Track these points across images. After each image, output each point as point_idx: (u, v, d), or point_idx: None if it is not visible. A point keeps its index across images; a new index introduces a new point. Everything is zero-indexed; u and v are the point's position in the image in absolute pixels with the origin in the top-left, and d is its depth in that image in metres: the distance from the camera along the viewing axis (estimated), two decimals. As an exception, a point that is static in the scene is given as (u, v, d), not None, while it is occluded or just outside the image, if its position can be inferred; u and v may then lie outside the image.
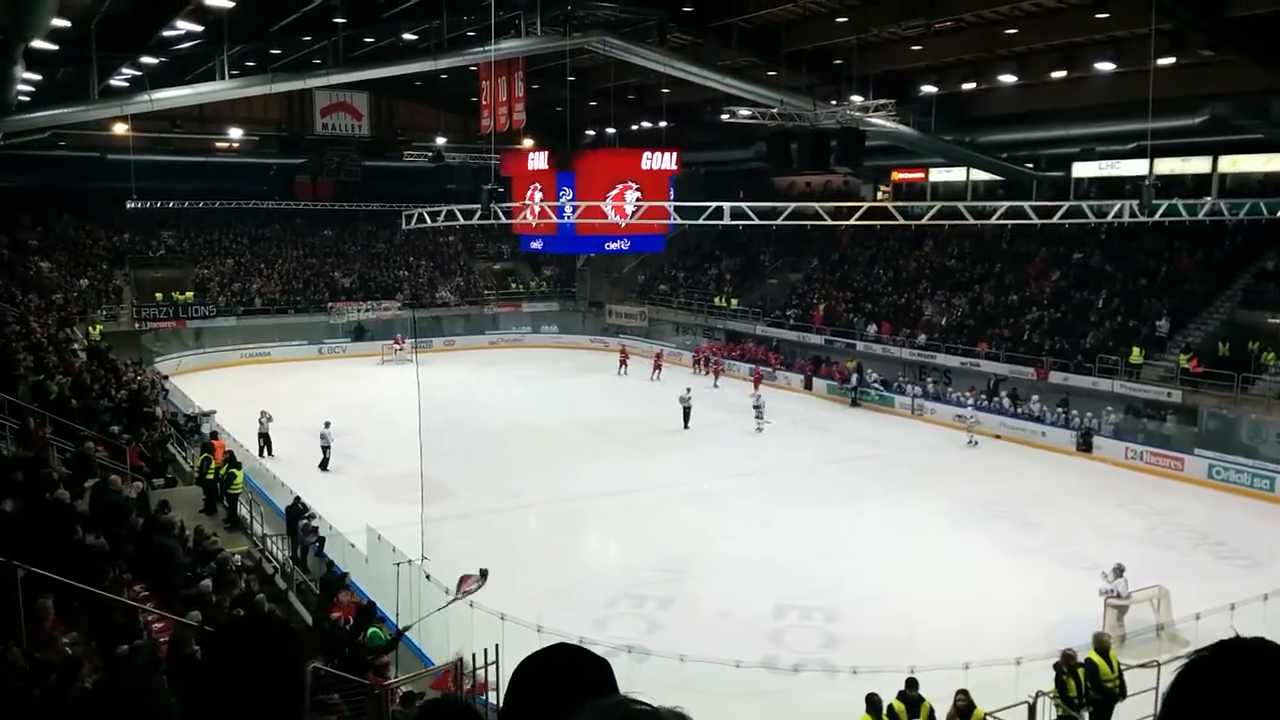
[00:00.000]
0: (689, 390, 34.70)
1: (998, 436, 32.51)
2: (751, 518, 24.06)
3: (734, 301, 47.76)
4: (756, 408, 33.54)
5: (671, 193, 29.04)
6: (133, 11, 25.98)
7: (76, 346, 27.77)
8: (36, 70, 26.57)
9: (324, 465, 27.52)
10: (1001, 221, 20.85)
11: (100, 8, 24.13)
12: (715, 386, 40.48)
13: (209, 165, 50.94)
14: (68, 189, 49.34)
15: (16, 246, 44.10)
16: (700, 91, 38.49)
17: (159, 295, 45.96)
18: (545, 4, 27.54)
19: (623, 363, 43.32)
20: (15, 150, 42.20)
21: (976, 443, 31.16)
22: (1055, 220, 22.44)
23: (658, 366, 42.70)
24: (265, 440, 28.30)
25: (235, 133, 47.97)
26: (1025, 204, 21.65)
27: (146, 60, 28.93)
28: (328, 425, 27.93)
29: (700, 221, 21.86)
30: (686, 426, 33.29)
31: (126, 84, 30.69)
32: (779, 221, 21.93)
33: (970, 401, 33.69)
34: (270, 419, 28.83)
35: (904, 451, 30.64)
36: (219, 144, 50.41)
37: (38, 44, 21.68)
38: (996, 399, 33.99)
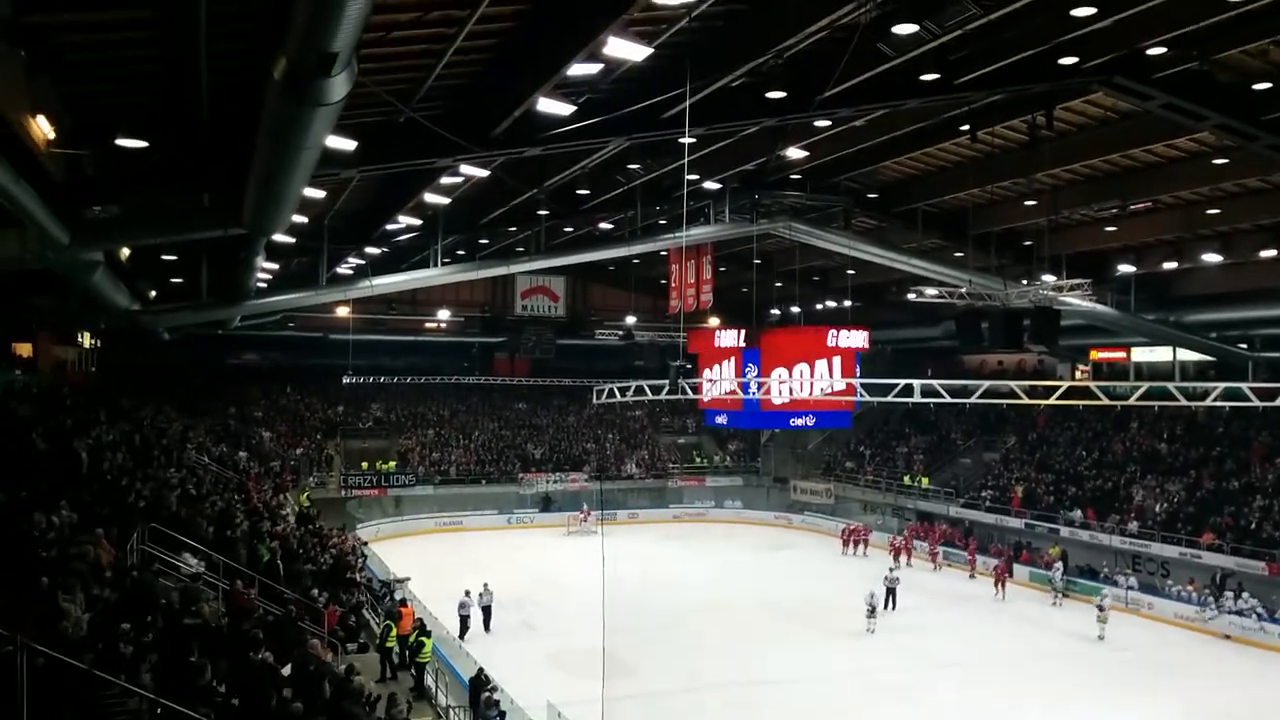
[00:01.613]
0: (893, 570, 33.24)
1: (1227, 637, 29.27)
2: (958, 716, 22.25)
3: (925, 480, 46.04)
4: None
5: (858, 370, 28.75)
6: (363, 209, 28.71)
7: (288, 511, 29.45)
8: (274, 259, 29.45)
9: (472, 627, 27.40)
10: (1218, 403, 19.37)
11: (334, 205, 26.80)
12: (908, 565, 38.99)
13: (418, 344, 54.32)
14: (293, 365, 53.70)
15: (244, 417, 48.01)
16: (885, 272, 38.43)
17: (365, 464, 48.59)
18: (734, 193, 28.62)
19: (856, 542, 41.89)
20: (250, 332, 46.77)
21: (1103, 637, 28.32)
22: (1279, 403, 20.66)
23: (860, 543, 41.38)
24: (464, 621, 28.31)
25: (444, 314, 51.34)
26: (1244, 385, 20.09)
27: (370, 250, 31.61)
28: (468, 594, 28.04)
29: (889, 399, 21.36)
30: (888, 607, 31.87)
31: (351, 271, 33.54)
32: (972, 400, 21.18)
33: (1107, 591, 30.95)
34: (485, 593, 28.67)
35: (1121, 649, 27.92)
36: (428, 324, 53.95)
37: (278, 238, 24.13)
38: (1224, 595, 30.72)
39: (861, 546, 41.51)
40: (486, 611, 28.55)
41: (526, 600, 32.02)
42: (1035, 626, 30.25)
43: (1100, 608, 29.61)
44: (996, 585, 35.17)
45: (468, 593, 28.30)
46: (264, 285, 31.85)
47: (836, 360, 27.46)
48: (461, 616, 28.01)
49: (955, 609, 32.91)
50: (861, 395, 25.57)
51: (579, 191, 28.30)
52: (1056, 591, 33.56)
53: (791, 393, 25.54)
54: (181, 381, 46.38)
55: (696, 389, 27.12)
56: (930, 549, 40.71)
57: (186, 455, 26.97)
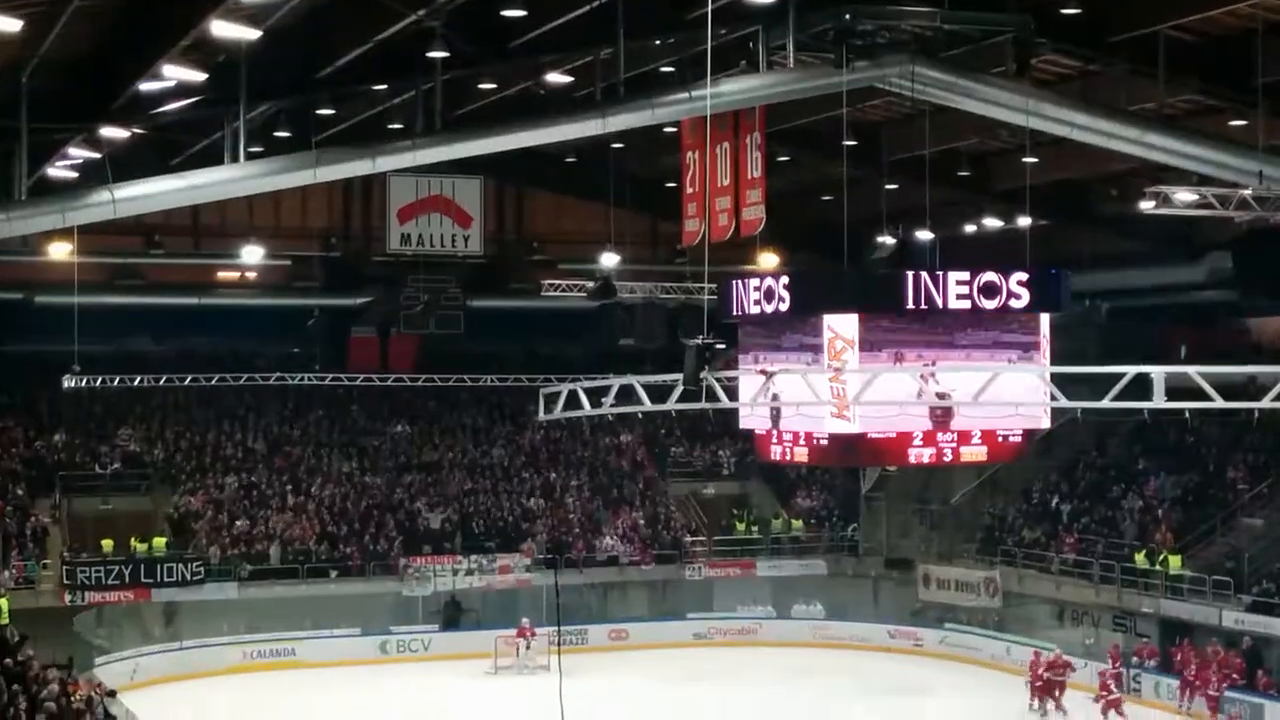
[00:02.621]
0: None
1: None
2: None
3: (1176, 561, 45.94)
4: None
5: (1046, 350, 28.60)
6: (94, 53, 28.35)
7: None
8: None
9: None
10: None
11: (40, 48, 26.45)
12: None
13: (204, 313, 54.25)
14: (-35, 356, 53.48)
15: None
16: (1094, 160, 38.13)
17: (108, 543, 48.32)
18: (802, 11, 28.36)
19: (1053, 686, 42.12)
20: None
21: None
22: None
23: (1056, 688, 41.17)
24: None
25: (252, 254, 50.86)
26: None
27: (109, 134, 31.26)
28: None
29: (1104, 404, 21.14)
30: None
31: (74, 175, 33.18)
32: (1265, 404, 20.99)
33: None
34: None
35: None
36: (223, 274, 53.68)
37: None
38: None
39: (1056, 697, 41.14)
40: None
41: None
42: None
43: None
44: None
45: None
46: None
47: (1016, 334, 27.42)
48: None
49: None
50: (1049, 398, 25.44)
51: (506, 12, 28.04)
52: None
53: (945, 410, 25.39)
54: None
55: (735, 392, 26.98)
56: (1190, 688, 40.65)
57: None
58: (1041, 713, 41.27)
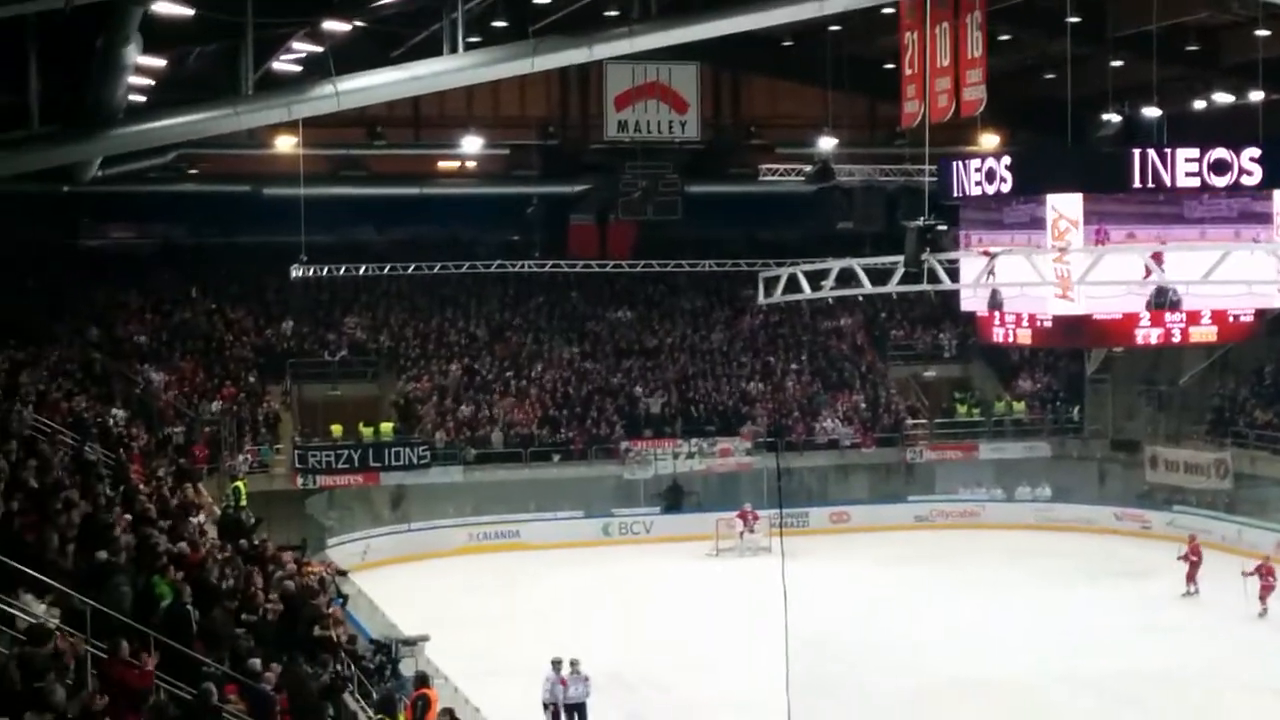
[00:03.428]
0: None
1: None
2: None
3: None
4: None
5: (1278, 228, 27.92)
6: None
7: (202, 518, 30.34)
8: (157, 51, 29.63)
9: None
10: None
11: (263, -55, 27.02)
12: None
13: (427, 202, 55.07)
14: (199, 248, 55.07)
15: (117, 345, 49.57)
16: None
17: (337, 429, 49.80)
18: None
19: (1189, 577, 41.23)
20: (121, 188, 47.86)
21: None
22: None
23: (1268, 577, 40.26)
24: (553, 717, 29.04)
25: (472, 144, 51.80)
26: None
27: (331, 27, 31.80)
28: (556, 668, 28.65)
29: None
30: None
31: (298, 69, 33.86)
32: None
33: None
34: (573, 676, 29.41)
35: None
36: (443, 164, 54.50)
37: (163, 6, 24.36)
38: None
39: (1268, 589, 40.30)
40: (577, 713, 29.05)
41: (642, 684, 32.51)
42: None
43: None
44: None
45: (557, 665, 28.86)
46: (142, 100, 32.29)
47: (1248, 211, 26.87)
48: (551, 709, 28.70)
49: None
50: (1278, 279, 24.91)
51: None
52: None
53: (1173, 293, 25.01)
54: (3, 283, 47.97)
55: (959, 275, 26.80)
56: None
57: (16, 416, 27.98)
58: None
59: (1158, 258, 25.41)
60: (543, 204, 55.45)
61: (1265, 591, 37.93)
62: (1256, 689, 32.00)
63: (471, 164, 54.05)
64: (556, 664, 28.89)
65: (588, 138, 53.80)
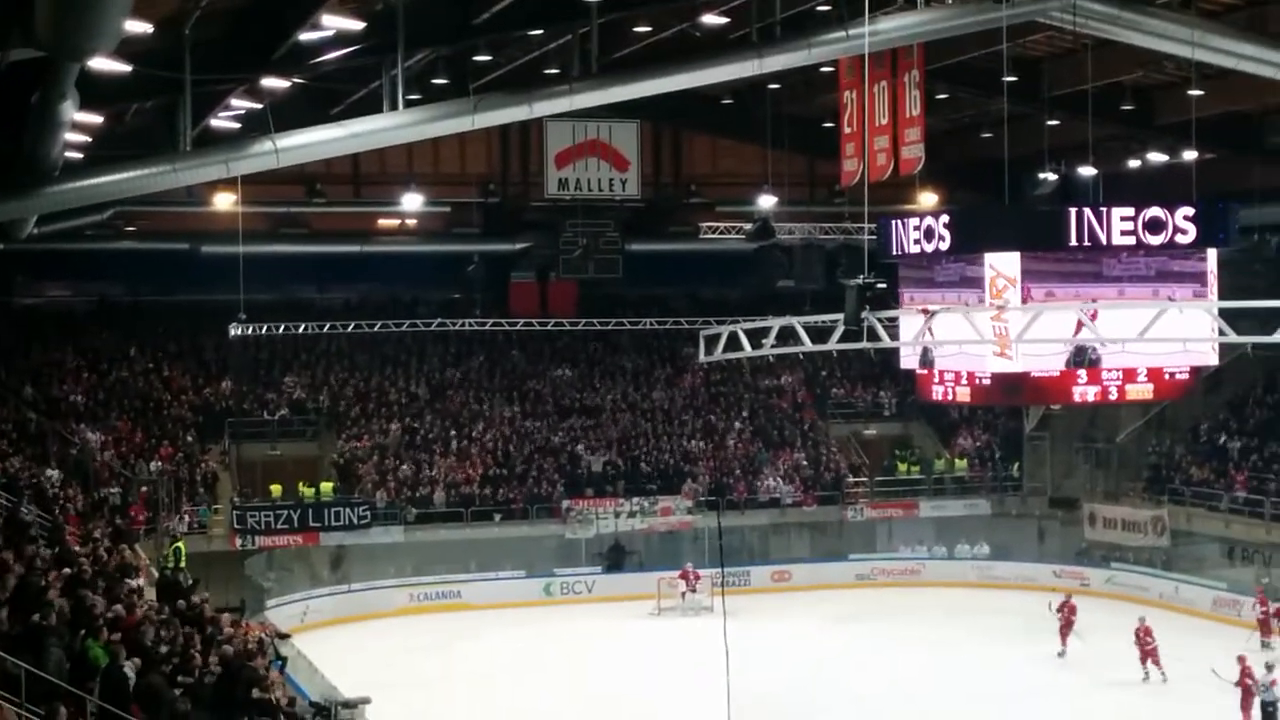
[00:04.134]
0: (1271, 670, 32.79)
1: None
2: None
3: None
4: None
5: (1214, 284, 28.17)
6: (252, 5, 28.82)
7: (140, 580, 30.04)
8: (95, 108, 29.47)
9: None
10: None
11: (200, 1, 26.95)
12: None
13: (368, 260, 55.09)
14: (136, 306, 54.82)
15: (52, 404, 49.04)
16: (1260, 91, 37.34)
17: (276, 489, 49.51)
18: (961, -55, 28.14)
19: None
20: (56, 247, 47.50)
21: None
22: None
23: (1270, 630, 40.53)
24: None
25: (412, 202, 51.83)
26: None
27: (270, 84, 31.78)
28: None
29: (1275, 338, 20.84)
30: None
31: (236, 126, 33.83)
32: None
33: None
34: None
35: None
36: (384, 222, 54.43)
37: (101, 63, 24.29)
38: None
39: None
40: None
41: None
42: None
43: None
44: None
45: None
46: (79, 157, 32.14)
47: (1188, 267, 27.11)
48: None
49: None
50: (1217, 334, 25.10)
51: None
52: None
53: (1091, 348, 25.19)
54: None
55: (897, 332, 26.93)
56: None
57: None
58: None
59: (1093, 316, 25.63)
60: (483, 262, 55.28)
61: (1146, 655, 37.60)
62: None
63: (412, 222, 54.04)
64: None
65: (528, 195, 53.87)
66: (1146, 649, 37.66)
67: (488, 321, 53.83)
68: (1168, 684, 37.26)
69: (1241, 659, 33.83)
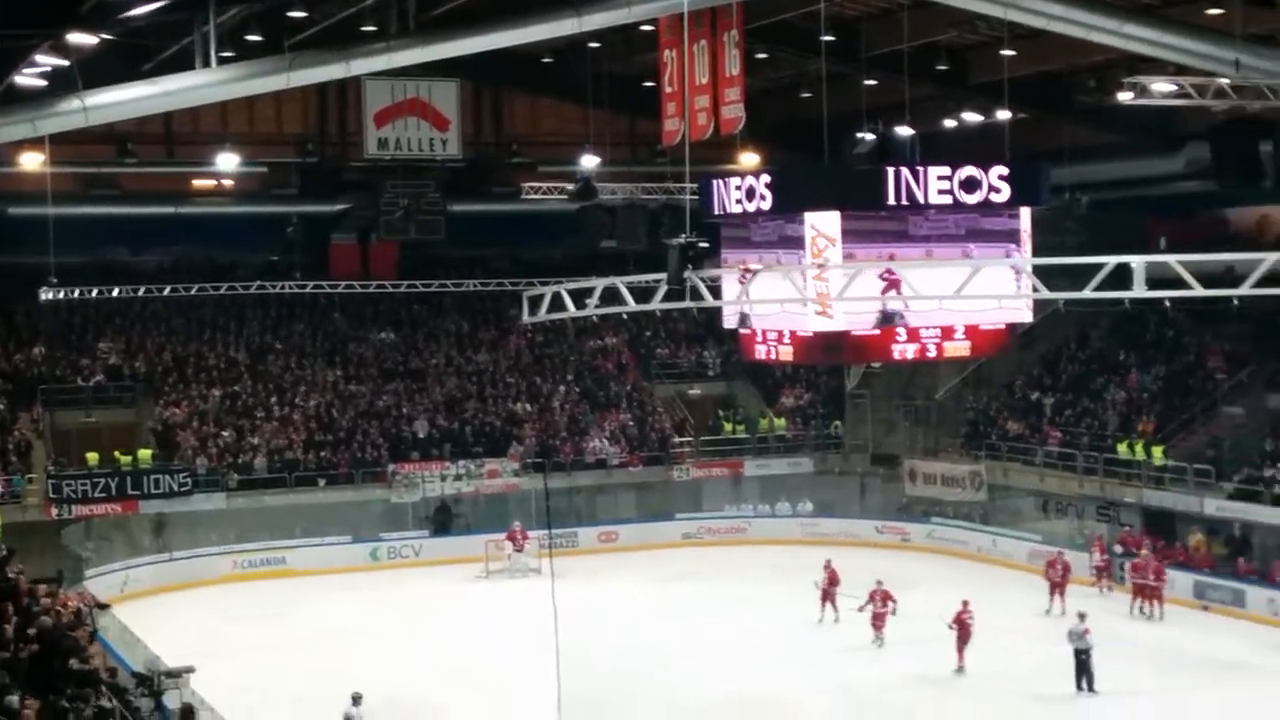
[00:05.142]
0: (1083, 619, 33.88)
1: None
2: None
3: (1158, 451, 46.49)
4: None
5: (1027, 242, 28.82)
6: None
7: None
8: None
9: None
10: None
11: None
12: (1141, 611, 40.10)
13: (181, 222, 54.23)
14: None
15: None
16: (1073, 52, 38.15)
17: (93, 456, 48.72)
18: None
19: (1056, 588, 41.02)
20: None
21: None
22: None
23: (1058, 589, 40.82)
24: None
25: (227, 162, 50.96)
26: None
27: (77, 40, 31.08)
28: (356, 702, 28.39)
29: (1085, 294, 21.43)
30: (1083, 688, 32.71)
31: (43, 84, 33.08)
32: (1243, 291, 21.28)
33: None
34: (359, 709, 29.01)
35: None
36: (199, 183, 53.58)
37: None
38: None
39: (1058, 597, 41.11)
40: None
41: (416, 707, 32.39)
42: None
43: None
44: None
45: (356, 700, 28.46)
46: None
47: (1002, 226, 27.64)
48: None
49: (1211, 688, 33.44)
50: (1030, 290, 25.70)
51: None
52: None
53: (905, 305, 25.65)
54: None
55: (720, 291, 27.21)
56: (1133, 574, 41.30)
57: None
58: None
59: (890, 275, 26.08)
60: (303, 223, 54.86)
61: (879, 619, 37.66)
62: (1016, 695, 33.17)
63: (228, 182, 53.13)
64: (356, 699, 28.56)
65: (347, 155, 53.34)
66: (963, 628, 36.39)
67: (308, 284, 53.21)
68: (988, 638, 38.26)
69: (965, 602, 35.23)
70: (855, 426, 55.92)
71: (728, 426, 56.38)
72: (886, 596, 37.34)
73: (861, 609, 37.51)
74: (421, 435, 52.57)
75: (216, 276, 53.19)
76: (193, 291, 51.06)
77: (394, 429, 52.75)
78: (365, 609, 42.88)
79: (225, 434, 50.59)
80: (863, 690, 33.77)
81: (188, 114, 45.28)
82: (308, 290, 53.64)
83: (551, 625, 24.58)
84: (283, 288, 52.56)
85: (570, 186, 48.74)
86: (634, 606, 42.78)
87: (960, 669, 34.99)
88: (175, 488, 48.11)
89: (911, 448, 54.32)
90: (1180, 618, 39.90)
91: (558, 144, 52.50)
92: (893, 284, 26.17)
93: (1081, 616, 34.04)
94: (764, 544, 51.44)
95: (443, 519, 51.35)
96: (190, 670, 29.80)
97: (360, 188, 53.51)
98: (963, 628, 35.21)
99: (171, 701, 27.26)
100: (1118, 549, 43.55)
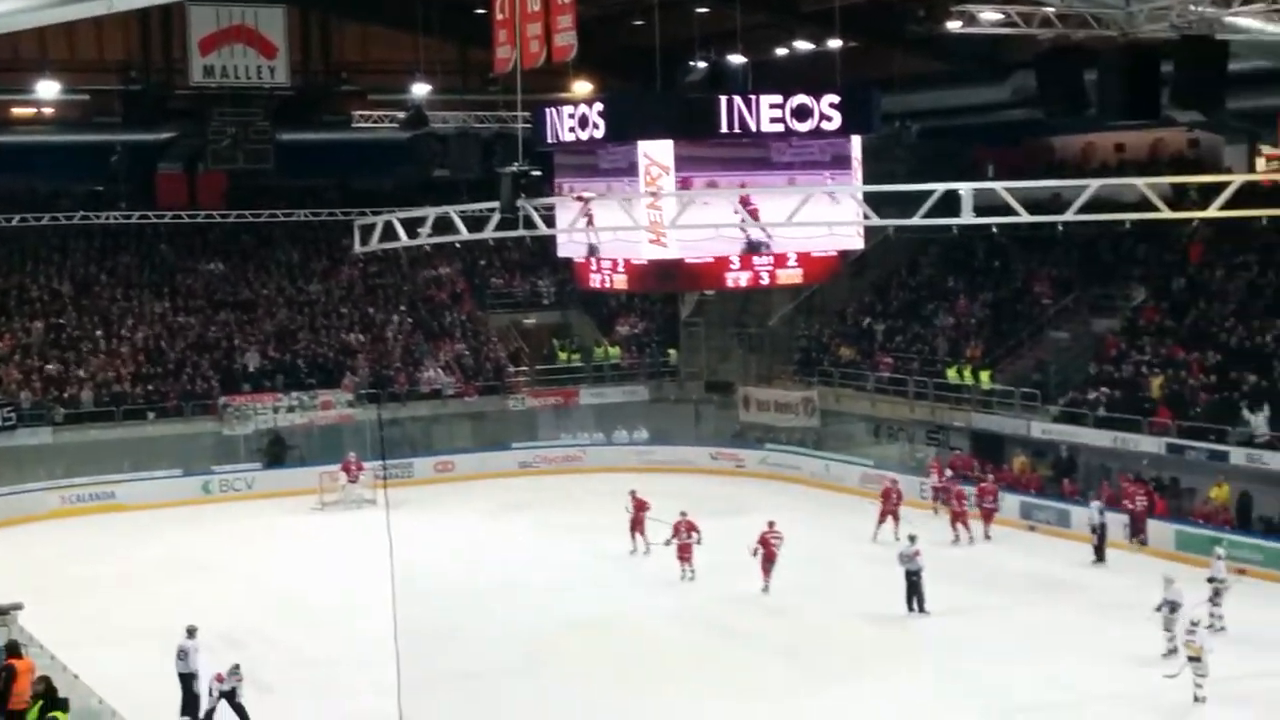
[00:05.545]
0: (914, 542, 34.51)
1: None
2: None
3: (985, 375, 47.35)
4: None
5: (858, 170, 29.10)
6: None
7: None
8: None
9: (192, 711, 27.62)
10: None
11: None
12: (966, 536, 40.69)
13: (2, 151, 52.78)
14: None
15: None
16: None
17: (-88, 392, 47.66)
18: None
19: (889, 514, 40.94)
20: None
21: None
22: None
23: (890, 514, 41.04)
24: (190, 687, 28.10)
25: (48, 89, 49.78)
26: None
27: None
28: (191, 635, 28.08)
29: (915, 221, 21.71)
30: (915, 609, 33.43)
31: None
32: (1068, 217, 21.69)
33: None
34: (186, 648, 28.40)
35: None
36: (18, 110, 52.31)
37: None
38: None
39: (892, 522, 41.39)
40: (187, 682, 28.35)
41: (252, 640, 32.05)
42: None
43: (1215, 586, 31.34)
44: (1133, 538, 38.34)
45: (191, 632, 28.01)
46: None
47: (828, 156, 27.86)
48: (182, 676, 27.76)
49: (1045, 605, 34.37)
50: (862, 218, 25.99)
51: None
52: (1217, 583, 34.73)
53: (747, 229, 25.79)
54: None
55: (554, 220, 27.15)
56: (979, 499, 41.86)
57: None
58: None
59: (745, 201, 26.31)
60: (127, 152, 53.86)
61: (684, 551, 37.44)
62: (847, 614, 33.79)
63: (49, 110, 51.97)
64: (191, 631, 28.22)
65: (172, 83, 52.28)
66: (767, 548, 36.49)
67: (134, 214, 52.82)
68: (828, 558, 38.84)
69: (770, 524, 35.93)
70: (690, 354, 56.35)
71: (563, 355, 56.56)
72: (691, 527, 37.37)
73: (668, 543, 37.64)
74: (253, 367, 52.14)
75: (39, 207, 52.34)
76: (14, 222, 50.31)
77: (225, 361, 52.26)
78: (198, 543, 42.44)
79: (50, 367, 49.74)
80: (698, 613, 34.19)
81: (5, 40, 43.89)
82: (134, 221, 53.22)
83: (387, 556, 24.49)
84: (108, 218, 52.12)
85: (401, 115, 48.43)
86: (470, 536, 42.87)
87: (765, 588, 35.54)
88: (-1, 423, 47.32)
89: (745, 375, 54.75)
90: (1008, 538, 40.83)
91: (388, 72, 51.92)
92: (752, 213, 26.55)
93: (912, 539, 34.71)
94: (600, 472, 51.61)
95: (276, 451, 51.01)
96: (18, 607, 29.30)
97: (186, 116, 52.59)
98: (767, 548, 35.80)
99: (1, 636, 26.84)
100: (948, 472, 44.29)
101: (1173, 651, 29.00)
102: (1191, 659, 26.94)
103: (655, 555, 38.85)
